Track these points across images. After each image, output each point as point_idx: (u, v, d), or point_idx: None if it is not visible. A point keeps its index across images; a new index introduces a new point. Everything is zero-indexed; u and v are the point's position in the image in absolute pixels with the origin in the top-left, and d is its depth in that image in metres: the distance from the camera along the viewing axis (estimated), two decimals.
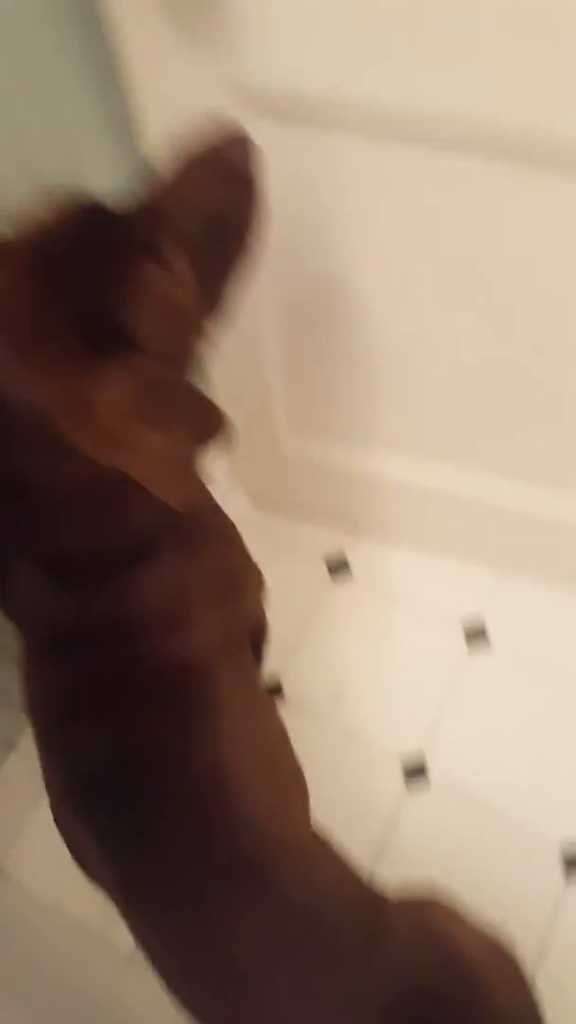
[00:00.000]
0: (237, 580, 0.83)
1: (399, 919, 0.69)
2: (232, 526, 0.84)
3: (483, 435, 1.18)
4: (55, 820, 0.76)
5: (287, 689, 1.33)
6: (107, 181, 0.97)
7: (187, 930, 0.66)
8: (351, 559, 1.46)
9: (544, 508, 1.24)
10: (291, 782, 0.80)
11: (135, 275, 0.58)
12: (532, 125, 0.75)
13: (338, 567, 1.45)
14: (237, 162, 0.66)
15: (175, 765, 0.68)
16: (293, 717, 1.30)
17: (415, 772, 1.25)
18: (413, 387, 1.14)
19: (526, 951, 1.10)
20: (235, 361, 1.17)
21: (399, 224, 0.93)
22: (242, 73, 0.80)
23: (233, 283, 0.70)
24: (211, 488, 0.82)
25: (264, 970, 0.63)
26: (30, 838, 1.21)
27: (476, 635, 1.36)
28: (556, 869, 1.16)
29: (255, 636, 1.05)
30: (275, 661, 1.34)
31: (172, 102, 0.85)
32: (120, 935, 1.08)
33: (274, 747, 0.80)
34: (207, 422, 0.58)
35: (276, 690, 1.32)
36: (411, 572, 1.43)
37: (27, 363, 0.56)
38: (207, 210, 0.65)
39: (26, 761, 1.14)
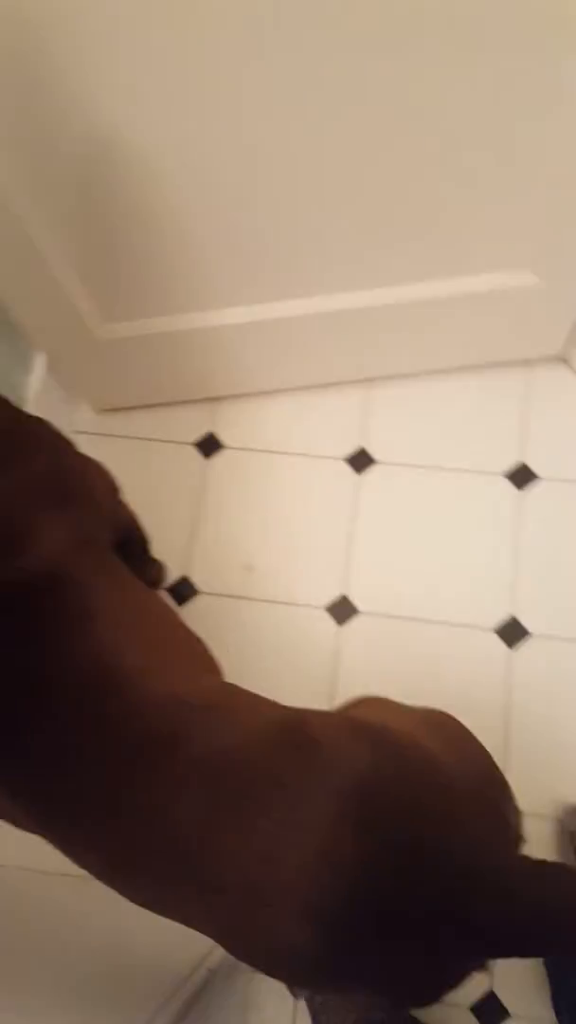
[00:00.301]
0: (72, 485, 0.78)
1: (326, 728, 0.67)
2: (48, 433, 0.79)
3: (297, 260, 1.10)
4: None
5: (197, 581, 1.30)
6: None
7: (122, 825, 0.64)
8: (217, 431, 1.39)
9: (380, 304, 1.18)
10: (183, 650, 0.78)
11: None
12: None
13: (208, 443, 1.39)
14: None
15: (57, 676, 0.66)
16: (212, 605, 1.29)
17: (343, 611, 1.25)
18: (213, 232, 1.04)
19: (496, 727, 1.18)
20: (15, 268, 1.04)
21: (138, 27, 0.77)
22: None
23: None
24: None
25: (211, 827, 0.61)
26: None
27: (359, 457, 1.34)
28: (497, 644, 1.21)
29: (127, 538, 1.00)
30: (177, 557, 1.31)
31: None
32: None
33: (157, 625, 0.77)
34: None
35: (186, 586, 1.29)
36: (278, 420, 1.38)
37: None
38: None
39: None
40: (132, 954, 0.91)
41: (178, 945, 0.88)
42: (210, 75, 0.83)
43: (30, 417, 0.77)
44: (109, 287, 1.13)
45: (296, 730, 0.66)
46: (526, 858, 0.61)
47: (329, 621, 1.25)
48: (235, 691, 0.72)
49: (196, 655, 0.79)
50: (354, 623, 1.25)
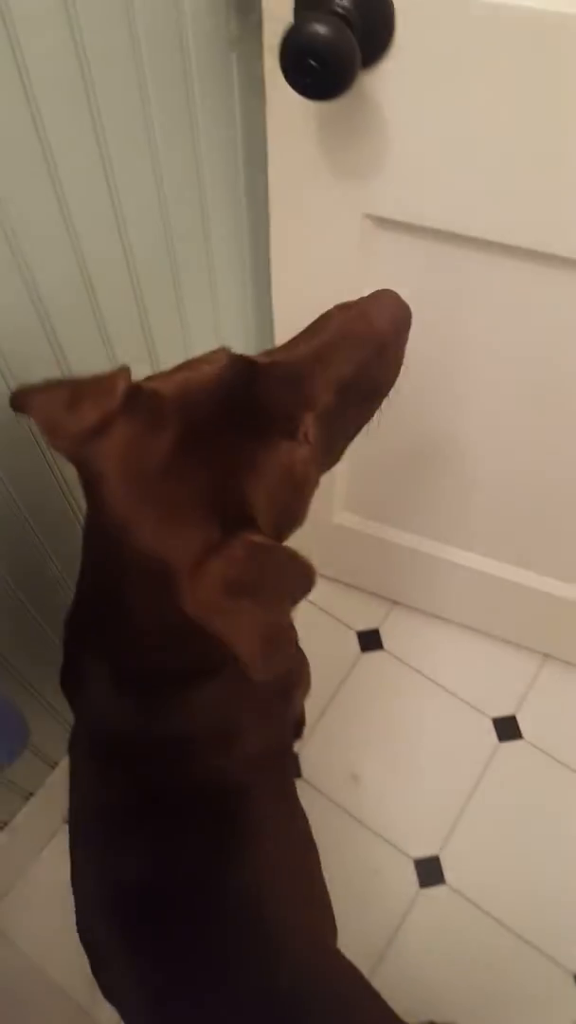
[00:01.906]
0: (288, 690, 0.81)
1: None
2: (300, 654, 0.83)
3: (528, 535, 1.16)
4: (79, 926, 0.74)
5: (305, 766, 1.28)
6: (236, 326, 1.01)
7: None
8: (383, 631, 1.41)
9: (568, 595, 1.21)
10: (321, 905, 0.79)
11: (271, 455, 0.57)
12: None
13: (370, 638, 1.41)
14: (387, 331, 0.63)
15: (214, 889, 0.68)
16: (306, 795, 1.27)
17: (429, 872, 1.19)
18: (464, 486, 1.14)
19: None
20: None
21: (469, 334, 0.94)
22: (372, 202, 0.84)
23: (353, 439, 0.68)
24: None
25: None
26: (26, 892, 1.18)
27: (507, 725, 1.31)
28: (571, 997, 1.10)
29: (294, 729, 1.03)
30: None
31: (307, 233, 0.89)
32: (103, 1013, 1.05)
33: (308, 870, 0.79)
34: (301, 584, 0.56)
35: (293, 766, 1.28)
36: (444, 653, 1.38)
37: (158, 516, 0.56)
38: (347, 378, 0.62)
39: (38, 814, 1.12)
40: None
41: None
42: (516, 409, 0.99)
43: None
44: (364, 491, 1.24)
45: None
46: None
47: (412, 876, 1.19)
48: (352, 970, 0.73)
49: (326, 906, 0.80)
50: (435, 892, 1.18)
